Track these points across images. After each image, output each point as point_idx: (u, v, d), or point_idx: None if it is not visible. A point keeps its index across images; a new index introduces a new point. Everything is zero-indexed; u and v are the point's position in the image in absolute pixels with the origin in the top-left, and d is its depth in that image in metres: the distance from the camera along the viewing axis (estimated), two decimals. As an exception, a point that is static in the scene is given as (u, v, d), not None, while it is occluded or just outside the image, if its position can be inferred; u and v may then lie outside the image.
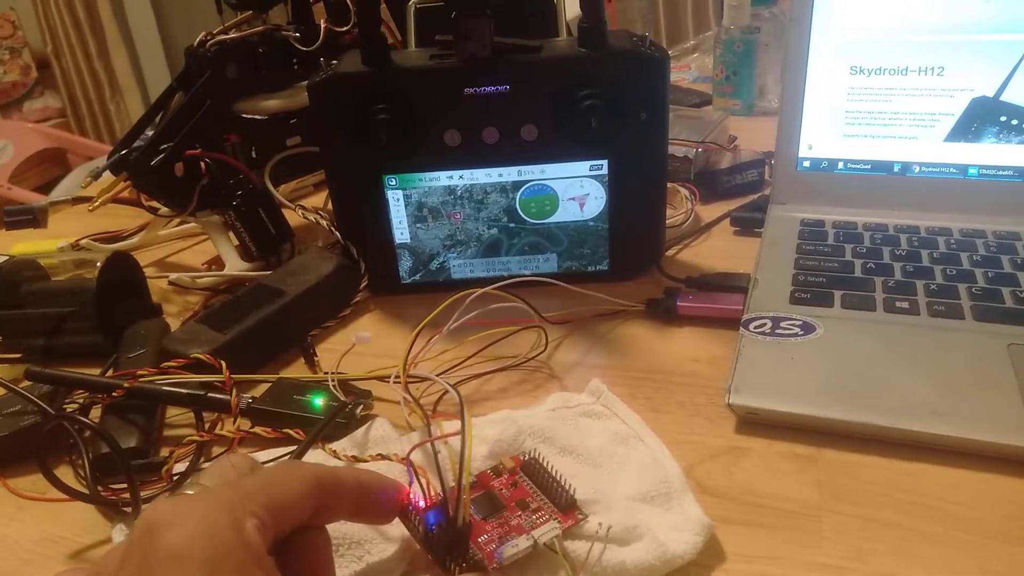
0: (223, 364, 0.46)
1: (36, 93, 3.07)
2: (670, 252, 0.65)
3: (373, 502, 0.32)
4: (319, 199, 0.79)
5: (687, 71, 1.26)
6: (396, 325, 0.58)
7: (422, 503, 0.33)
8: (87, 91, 3.13)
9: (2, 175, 2.49)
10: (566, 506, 0.36)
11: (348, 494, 0.31)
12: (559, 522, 0.35)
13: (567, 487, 0.36)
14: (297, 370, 0.53)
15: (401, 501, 0.33)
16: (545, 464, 0.37)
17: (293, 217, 0.67)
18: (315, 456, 0.42)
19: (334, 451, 0.41)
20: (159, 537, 0.25)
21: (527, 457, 0.38)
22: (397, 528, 0.35)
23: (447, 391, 0.49)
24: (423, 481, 0.34)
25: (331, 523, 0.32)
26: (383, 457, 0.39)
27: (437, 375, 0.47)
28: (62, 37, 3.04)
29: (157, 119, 0.65)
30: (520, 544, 0.33)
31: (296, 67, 0.68)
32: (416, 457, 0.36)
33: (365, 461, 0.40)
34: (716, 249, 0.65)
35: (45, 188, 2.43)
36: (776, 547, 0.36)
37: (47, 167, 2.72)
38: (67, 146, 2.76)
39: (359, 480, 0.31)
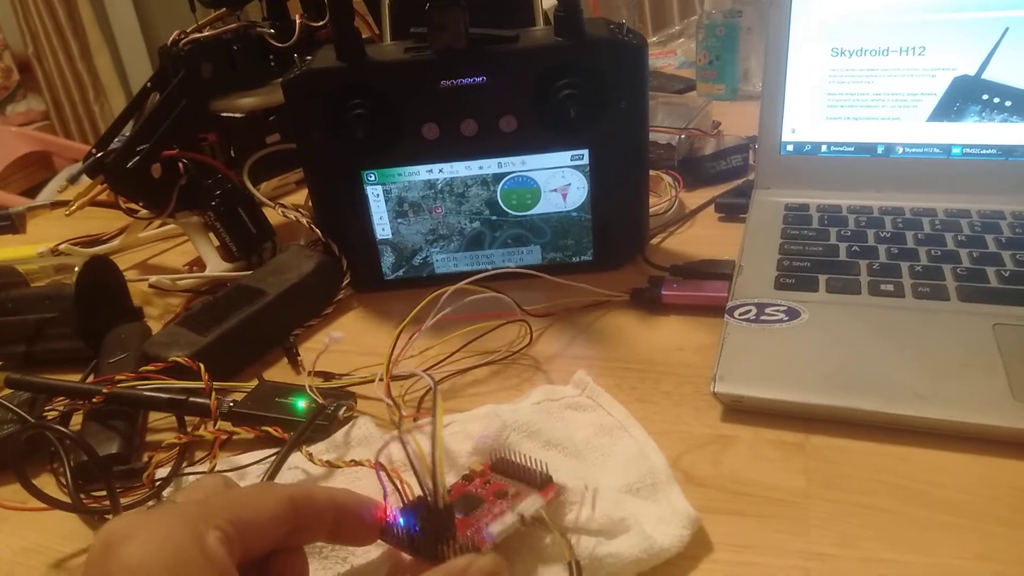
0: (202, 367, 0.45)
1: (19, 96, 3.05)
2: (655, 240, 0.64)
3: (351, 523, 0.32)
4: (301, 196, 0.78)
5: (672, 56, 1.25)
6: (380, 322, 0.58)
7: (399, 507, 0.33)
8: (70, 93, 3.11)
9: (-13, 179, 2.46)
10: (543, 483, 0.35)
11: (324, 515, 0.30)
12: (539, 496, 0.35)
13: (539, 466, 0.36)
14: (281, 370, 0.53)
15: (379, 519, 0.32)
16: (513, 456, 0.37)
17: (274, 216, 0.66)
18: (293, 459, 0.41)
19: (310, 454, 0.41)
20: (118, 550, 0.24)
21: (494, 457, 0.38)
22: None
23: (432, 388, 0.49)
24: (397, 483, 0.33)
25: (308, 544, 0.31)
26: (356, 463, 0.38)
27: (429, 375, 0.47)
28: (43, 39, 3.01)
29: (133, 121, 0.65)
30: (507, 520, 0.33)
31: (273, 63, 0.68)
32: (399, 456, 0.35)
33: (339, 467, 0.40)
34: (701, 236, 0.65)
35: (31, 192, 2.42)
36: (763, 536, 0.36)
37: (32, 170, 2.69)
38: (52, 149, 2.74)
39: (335, 500, 0.31)
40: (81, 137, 3.12)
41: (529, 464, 0.36)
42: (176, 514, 0.26)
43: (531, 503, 0.34)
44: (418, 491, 0.33)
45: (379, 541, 0.34)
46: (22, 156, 2.63)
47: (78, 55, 3.03)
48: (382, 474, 0.34)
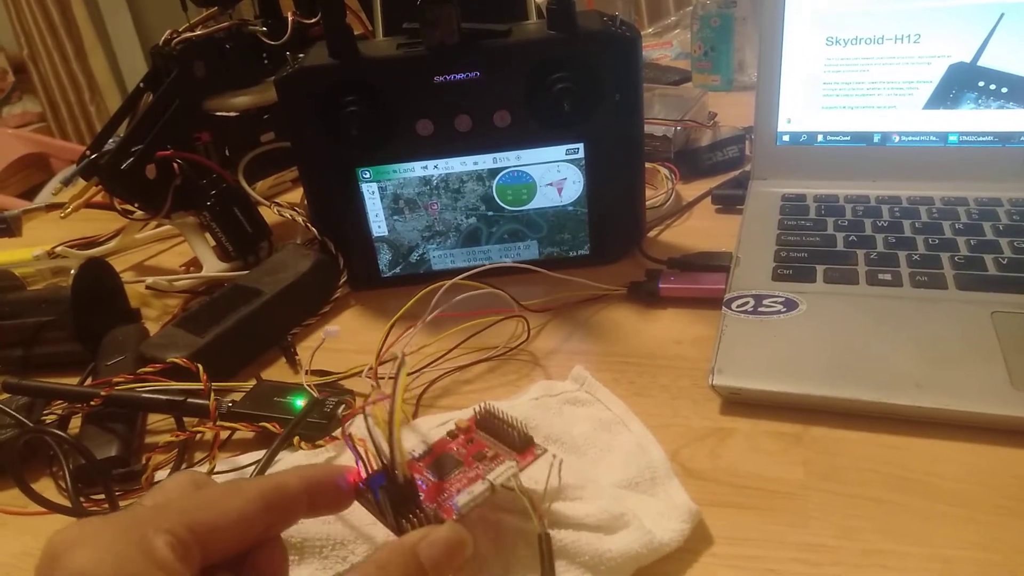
0: (200, 368, 0.45)
1: (14, 98, 3.04)
2: (652, 233, 0.64)
3: (324, 495, 0.31)
4: (296, 195, 0.78)
5: (669, 48, 1.25)
6: (377, 319, 0.57)
7: (364, 472, 0.32)
8: (66, 94, 3.10)
9: (-16, 181, 2.46)
10: (522, 445, 0.35)
11: (299, 499, 0.30)
12: (516, 461, 0.34)
13: (520, 427, 0.35)
14: (279, 369, 0.53)
15: (351, 483, 0.32)
16: (498, 412, 0.36)
17: (270, 214, 0.66)
18: (296, 457, 0.41)
19: (300, 443, 0.41)
20: (63, 559, 0.24)
21: (481, 411, 0.37)
22: (380, 529, 0.35)
23: (431, 383, 0.49)
24: (362, 451, 0.33)
25: (289, 528, 0.31)
26: (333, 438, 0.39)
27: (416, 369, 0.47)
28: (37, 40, 3.01)
29: (127, 121, 0.64)
30: (475, 489, 0.32)
31: (266, 61, 0.67)
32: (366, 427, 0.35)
33: (322, 446, 0.41)
34: (698, 228, 0.65)
35: (29, 194, 2.41)
36: (763, 528, 0.36)
37: (30, 172, 2.69)
38: (49, 150, 2.73)
39: (305, 479, 0.30)
40: (78, 138, 3.11)
41: (512, 423, 0.36)
42: (126, 520, 0.25)
43: (504, 471, 0.33)
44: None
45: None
46: (19, 158, 2.62)
47: (73, 55, 3.03)
48: (349, 442, 0.33)
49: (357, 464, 0.32)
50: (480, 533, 0.34)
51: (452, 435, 0.37)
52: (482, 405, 0.37)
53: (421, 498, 0.32)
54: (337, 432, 0.43)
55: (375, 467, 0.32)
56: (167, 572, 0.24)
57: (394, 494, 0.31)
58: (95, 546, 0.24)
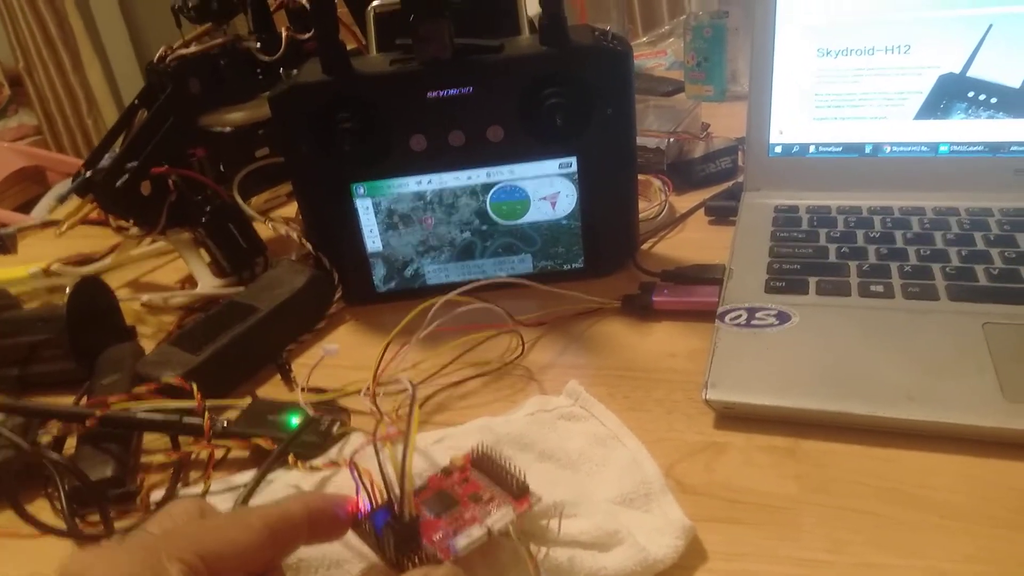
0: (194, 387, 0.45)
1: (10, 111, 3.05)
2: (646, 245, 0.64)
3: (324, 522, 0.32)
4: (291, 209, 0.78)
5: (663, 56, 1.25)
6: (372, 335, 0.58)
7: (369, 507, 0.33)
8: (62, 107, 3.11)
9: (-20, 196, 2.46)
10: (518, 492, 0.35)
11: (301, 528, 0.30)
12: (512, 508, 0.35)
13: (518, 474, 0.36)
14: (274, 386, 0.53)
15: (349, 512, 0.32)
16: (495, 455, 0.37)
17: (265, 230, 0.66)
18: (291, 476, 0.41)
19: (295, 461, 0.41)
20: None
21: (477, 452, 0.38)
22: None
23: (426, 399, 0.49)
24: (367, 483, 0.33)
25: (290, 554, 0.31)
26: (334, 464, 0.38)
27: (409, 379, 0.47)
28: (34, 53, 3.01)
29: (121, 138, 0.65)
30: (474, 533, 0.33)
31: (260, 77, 0.68)
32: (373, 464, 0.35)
33: (319, 469, 0.40)
34: (692, 240, 0.65)
35: (26, 207, 2.41)
36: (756, 543, 0.36)
37: (26, 186, 2.69)
38: (45, 164, 2.73)
39: (308, 507, 0.31)
40: (74, 151, 3.12)
41: (508, 469, 0.36)
42: (137, 547, 0.26)
43: (501, 516, 0.34)
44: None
45: (374, 568, 0.35)
46: (15, 171, 2.62)
47: (70, 69, 3.03)
48: (354, 472, 0.33)
49: (358, 494, 0.33)
50: (476, 558, 0.34)
51: (447, 472, 0.37)
52: (478, 446, 0.37)
53: (422, 538, 0.33)
54: (334, 452, 0.43)
55: (379, 499, 0.33)
56: None
57: (398, 531, 0.32)
58: (110, 571, 0.24)
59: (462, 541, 0.33)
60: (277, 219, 0.64)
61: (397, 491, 0.33)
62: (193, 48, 0.63)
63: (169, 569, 0.25)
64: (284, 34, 0.67)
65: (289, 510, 0.30)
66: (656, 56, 1.26)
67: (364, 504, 0.33)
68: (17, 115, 3.07)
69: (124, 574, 0.24)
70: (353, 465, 0.34)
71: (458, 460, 0.37)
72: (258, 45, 0.66)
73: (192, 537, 0.27)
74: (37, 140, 3.03)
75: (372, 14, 0.56)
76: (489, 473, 0.37)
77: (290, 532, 0.30)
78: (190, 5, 0.62)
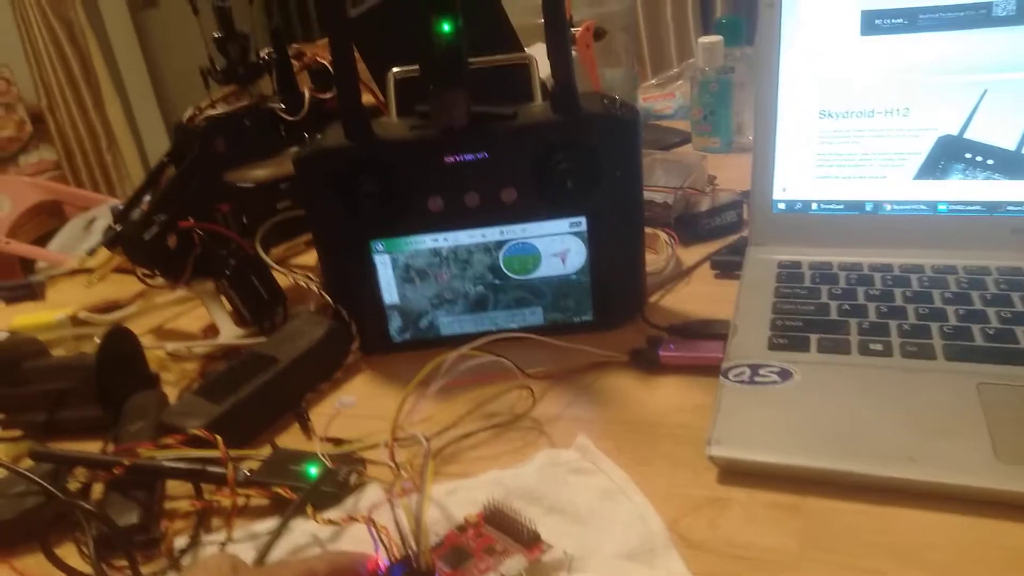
0: (219, 439, 0.47)
1: (31, 147, 3.11)
2: (653, 298, 0.66)
3: None
4: (310, 257, 0.81)
5: (671, 99, 1.27)
6: (389, 385, 0.59)
7: (387, 562, 0.35)
8: (82, 143, 3.17)
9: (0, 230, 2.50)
10: (529, 541, 0.37)
11: None
12: (524, 556, 0.36)
13: (528, 523, 0.37)
14: (292, 435, 0.55)
15: (370, 569, 0.34)
16: (506, 509, 0.39)
17: (285, 279, 0.68)
18: (309, 525, 0.43)
19: (315, 514, 0.43)
20: None
21: (490, 508, 0.39)
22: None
23: (439, 450, 0.50)
24: (385, 539, 0.35)
25: None
26: (352, 519, 0.40)
27: (424, 435, 0.49)
28: (56, 91, 3.08)
29: (150, 193, 0.67)
30: None
31: (283, 134, 0.71)
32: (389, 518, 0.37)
33: (338, 524, 0.42)
34: (698, 293, 0.67)
35: (42, 240, 2.45)
36: (758, 600, 0.37)
37: (43, 219, 2.72)
38: (63, 198, 2.77)
39: (333, 565, 0.33)
40: (92, 186, 3.17)
41: (520, 520, 0.38)
42: None
43: (514, 564, 0.35)
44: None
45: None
46: (34, 205, 2.66)
47: (91, 106, 3.10)
48: (372, 529, 0.35)
49: (376, 551, 0.34)
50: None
51: (462, 529, 0.39)
52: (490, 501, 0.39)
53: None
54: (351, 503, 0.45)
55: (397, 554, 0.34)
56: None
57: None
58: None
59: None
60: (297, 271, 0.66)
61: (413, 544, 0.34)
62: (220, 109, 0.66)
63: None
64: (307, 94, 0.70)
65: (315, 568, 0.32)
66: (664, 98, 1.28)
67: (383, 561, 0.34)
68: (38, 150, 3.13)
69: None
70: (371, 522, 0.36)
71: (472, 517, 0.39)
72: (282, 106, 0.69)
73: None
74: (56, 175, 3.09)
75: (392, 80, 0.59)
76: (502, 527, 0.39)
77: None
78: (218, 68, 0.65)
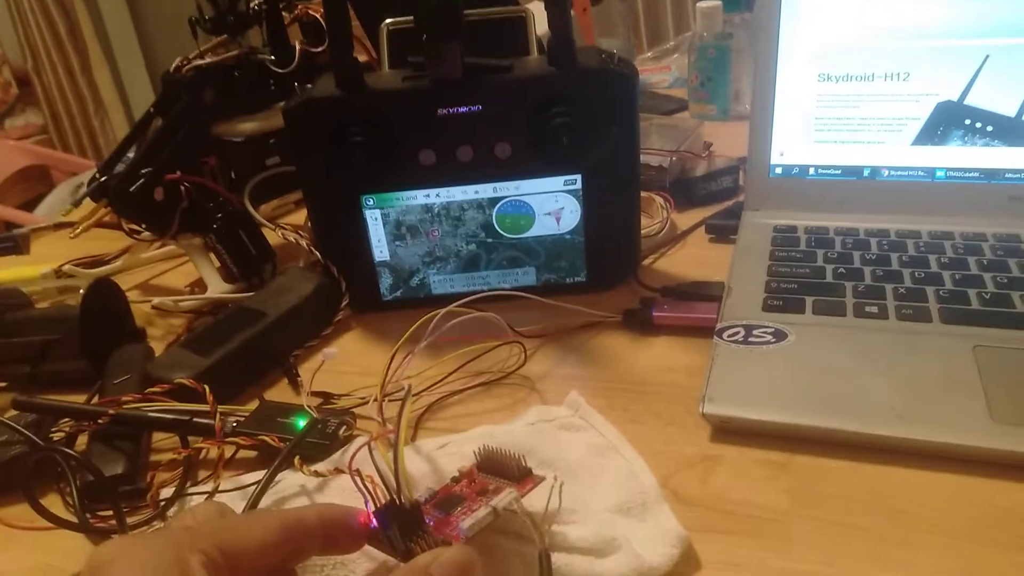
0: (207, 389, 0.47)
1: (17, 110, 3.06)
2: (647, 261, 0.66)
3: (340, 534, 0.33)
4: (300, 216, 0.80)
5: (667, 72, 1.27)
6: (378, 342, 0.59)
7: (373, 510, 0.34)
8: (69, 107, 3.12)
9: (-15, 194, 2.47)
10: (521, 476, 0.37)
11: (315, 534, 0.32)
12: (516, 489, 0.36)
13: (518, 458, 0.37)
14: (281, 390, 0.54)
15: (362, 523, 0.33)
16: (497, 453, 0.38)
17: (274, 236, 0.67)
18: (297, 477, 0.42)
19: (301, 464, 0.42)
20: (105, 572, 0.26)
21: (481, 454, 0.39)
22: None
23: (429, 406, 0.50)
24: (370, 487, 0.34)
25: (303, 562, 0.33)
26: (339, 471, 0.39)
27: (415, 392, 0.48)
28: (43, 53, 3.03)
29: (136, 145, 0.66)
30: (480, 514, 0.34)
31: (273, 88, 0.69)
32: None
33: (324, 476, 0.41)
34: (692, 257, 0.66)
35: (29, 205, 2.42)
36: (749, 554, 0.37)
37: (30, 184, 2.70)
38: (50, 162, 2.74)
39: (323, 517, 0.32)
40: (79, 151, 3.13)
41: (510, 455, 0.37)
42: (162, 539, 0.28)
43: (505, 496, 0.35)
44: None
45: (378, 565, 0.36)
46: (20, 170, 2.63)
47: (79, 70, 3.05)
48: (357, 479, 0.35)
49: (366, 503, 0.34)
50: (480, 555, 0.35)
51: (455, 480, 0.38)
52: (480, 447, 0.39)
53: (428, 523, 0.34)
54: (338, 455, 0.44)
55: (382, 501, 0.34)
56: None
57: (401, 520, 0.33)
58: (134, 562, 0.26)
59: (468, 522, 0.34)
60: (287, 227, 0.65)
61: (394, 483, 0.34)
62: (208, 59, 0.65)
63: (190, 560, 0.27)
64: (298, 47, 0.69)
65: (303, 515, 0.32)
66: (660, 71, 1.27)
67: (371, 509, 0.34)
68: (24, 114, 3.08)
69: (149, 563, 0.26)
70: (357, 472, 0.35)
71: (464, 469, 0.39)
72: (272, 58, 0.67)
73: (212, 532, 0.29)
74: (43, 139, 3.05)
75: (386, 31, 0.58)
76: (494, 470, 0.38)
77: (303, 535, 0.31)
78: (207, 17, 0.64)
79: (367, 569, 0.36)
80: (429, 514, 0.36)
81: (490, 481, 0.37)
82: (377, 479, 0.35)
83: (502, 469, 0.38)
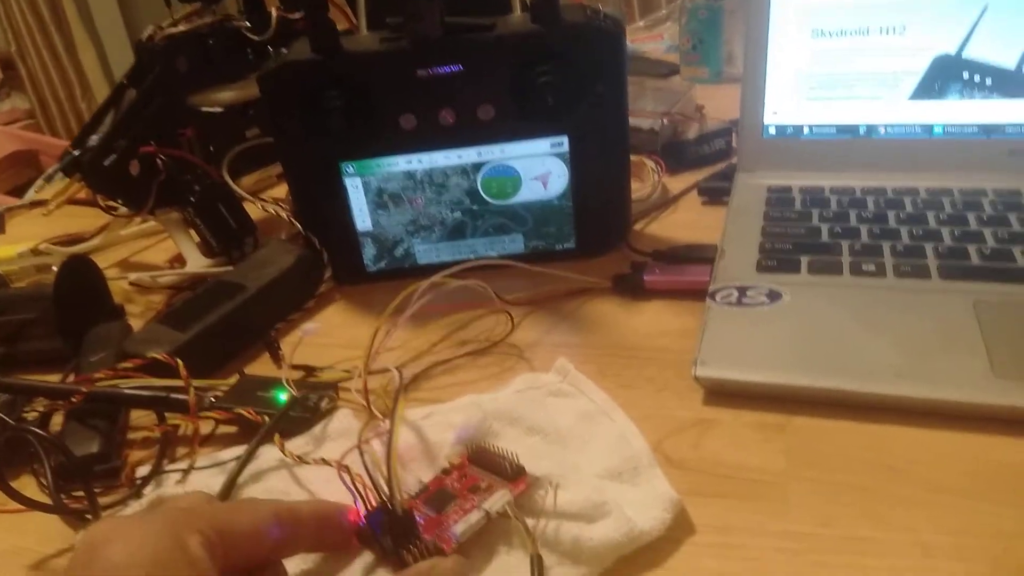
0: (180, 364, 0.45)
1: (2, 95, 3.03)
2: (638, 226, 0.64)
3: (332, 532, 0.33)
4: (282, 190, 0.78)
5: (659, 40, 1.24)
6: (362, 314, 0.57)
7: (363, 510, 0.33)
8: (56, 91, 3.09)
9: (-27, 180, 2.44)
10: (514, 475, 0.36)
11: (307, 528, 0.31)
12: (508, 490, 0.35)
13: (511, 456, 0.36)
14: (263, 364, 0.53)
15: (352, 522, 0.33)
16: (489, 446, 0.37)
17: (255, 210, 0.65)
18: (275, 454, 0.41)
19: (282, 444, 0.41)
20: (100, 553, 0.25)
21: (472, 450, 0.38)
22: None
23: (415, 377, 0.49)
24: (360, 488, 0.33)
25: (292, 556, 0.32)
26: (324, 462, 0.38)
27: (400, 363, 0.47)
28: (27, 37, 2.99)
29: (110, 117, 0.64)
30: (472, 518, 0.33)
31: (250, 57, 0.67)
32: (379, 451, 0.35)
33: (307, 463, 0.39)
34: (684, 220, 0.65)
35: (18, 191, 2.40)
36: (744, 517, 0.36)
37: (19, 169, 2.67)
38: (38, 147, 2.71)
39: (317, 512, 0.32)
40: (68, 135, 3.10)
41: (503, 454, 0.36)
42: (160, 518, 0.27)
43: (498, 499, 0.34)
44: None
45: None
46: (7, 155, 2.60)
47: (63, 52, 3.01)
48: (346, 477, 0.34)
49: (356, 503, 0.33)
50: (471, 557, 0.34)
51: (446, 472, 0.37)
52: (472, 443, 0.38)
53: (420, 530, 0.33)
54: (318, 431, 0.43)
55: (373, 503, 0.33)
56: (199, 569, 0.26)
57: (394, 527, 0.32)
58: (132, 540, 0.26)
59: (460, 527, 0.33)
60: (267, 199, 0.64)
61: (386, 489, 0.33)
62: (182, 27, 0.63)
63: (189, 540, 0.26)
64: (274, 14, 0.66)
65: (296, 506, 0.32)
66: (652, 40, 1.25)
67: (362, 511, 0.33)
68: (10, 99, 3.05)
69: (148, 541, 0.25)
70: (345, 469, 0.34)
71: (456, 460, 0.38)
72: (247, 24, 0.65)
73: (209, 514, 0.28)
74: (30, 124, 3.01)
75: (363, -9, 0.55)
76: (486, 465, 0.37)
77: (295, 526, 0.31)
78: (179, -18, 0.62)
79: (365, 564, 0.35)
80: (419, 511, 0.35)
81: (482, 477, 0.36)
82: (367, 480, 0.34)
83: (495, 465, 0.37)
